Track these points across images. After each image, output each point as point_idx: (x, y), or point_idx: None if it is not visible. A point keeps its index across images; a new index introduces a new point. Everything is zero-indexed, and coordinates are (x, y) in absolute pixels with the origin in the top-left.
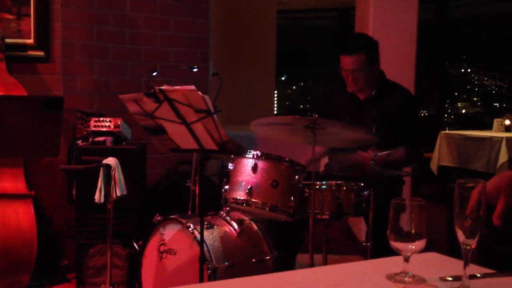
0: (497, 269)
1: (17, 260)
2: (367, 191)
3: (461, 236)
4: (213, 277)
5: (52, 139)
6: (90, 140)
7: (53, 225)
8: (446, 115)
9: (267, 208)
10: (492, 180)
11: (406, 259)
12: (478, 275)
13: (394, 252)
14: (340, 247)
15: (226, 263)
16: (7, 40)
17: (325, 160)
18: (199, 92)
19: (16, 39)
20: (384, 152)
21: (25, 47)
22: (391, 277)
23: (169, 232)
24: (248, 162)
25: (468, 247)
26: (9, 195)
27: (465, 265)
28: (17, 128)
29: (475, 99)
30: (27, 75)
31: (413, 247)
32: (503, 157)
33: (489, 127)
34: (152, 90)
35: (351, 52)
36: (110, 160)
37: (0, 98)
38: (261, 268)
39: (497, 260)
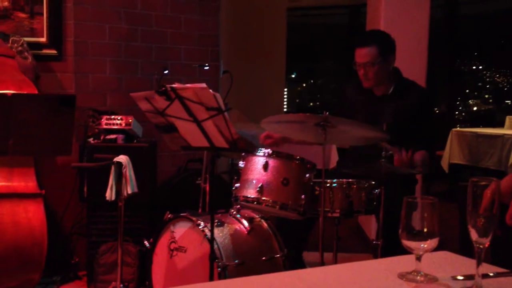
0: (510, 269)
1: (28, 259)
2: (378, 189)
3: (474, 235)
4: (223, 275)
5: (65, 137)
6: (102, 138)
7: (65, 223)
8: (457, 113)
9: (278, 206)
10: (505, 180)
11: (418, 258)
12: (491, 274)
13: (404, 251)
14: (350, 246)
15: (236, 261)
16: None
17: (336, 156)
18: (210, 90)
19: (29, 37)
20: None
21: (38, 45)
22: (403, 276)
23: (180, 229)
24: (259, 160)
25: (481, 246)
26: (19, 194)
27: (478, 264)
28: (30, 126)
29: (486, 96)
30: (40, 73)
31: (425, 246)
32: None
33: (501, 124)
34: (163, 88)
35: (363, 44)
36: (121, 158)
37: (13, 96)
38: (271, 266)
39: (510, 259)
